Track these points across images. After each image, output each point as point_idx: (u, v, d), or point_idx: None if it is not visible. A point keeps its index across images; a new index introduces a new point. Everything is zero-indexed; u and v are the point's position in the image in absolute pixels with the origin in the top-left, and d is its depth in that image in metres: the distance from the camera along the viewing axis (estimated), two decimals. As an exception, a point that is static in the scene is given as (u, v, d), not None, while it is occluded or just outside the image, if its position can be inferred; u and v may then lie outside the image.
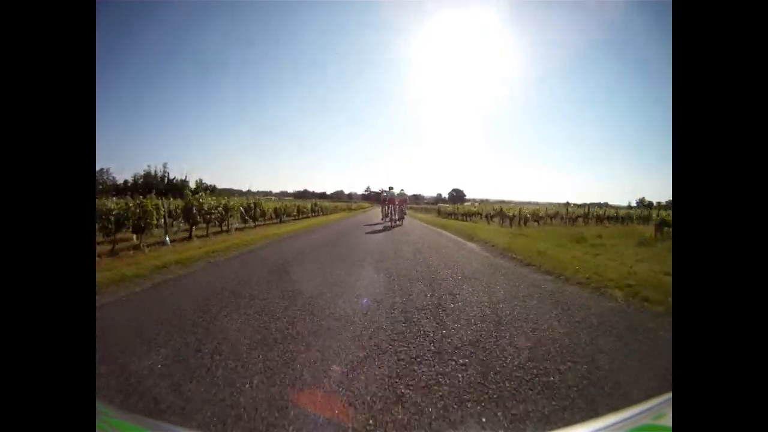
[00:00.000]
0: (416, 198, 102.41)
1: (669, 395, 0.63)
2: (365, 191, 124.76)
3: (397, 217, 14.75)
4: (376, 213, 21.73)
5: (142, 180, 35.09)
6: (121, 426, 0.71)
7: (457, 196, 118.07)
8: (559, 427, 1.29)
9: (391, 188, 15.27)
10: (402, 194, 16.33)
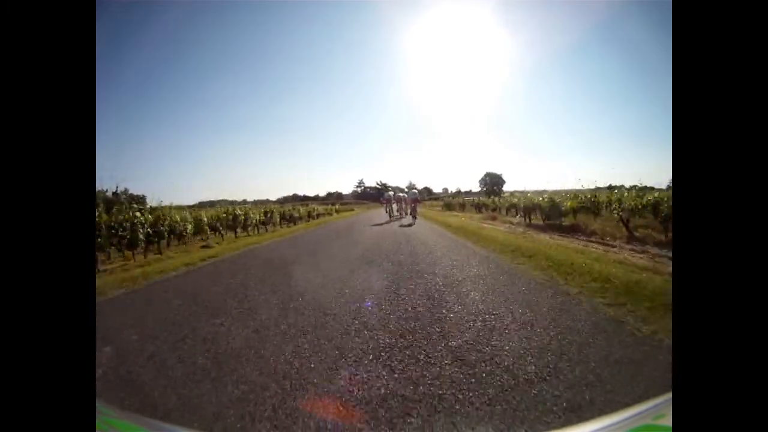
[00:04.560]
0: (428, 192, 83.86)
1: (669, 395, 0.63)
2: (357, 186, 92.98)
3: (408, 214, 14.32)
4: (361, 219, 18.78)
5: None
6: (121, 426, 0.71)
7: (491, 183, 68.73)
8: (559, 427, 1.29)
9: (384, 185, 13.62)
10: (413, 193, 15.16)
